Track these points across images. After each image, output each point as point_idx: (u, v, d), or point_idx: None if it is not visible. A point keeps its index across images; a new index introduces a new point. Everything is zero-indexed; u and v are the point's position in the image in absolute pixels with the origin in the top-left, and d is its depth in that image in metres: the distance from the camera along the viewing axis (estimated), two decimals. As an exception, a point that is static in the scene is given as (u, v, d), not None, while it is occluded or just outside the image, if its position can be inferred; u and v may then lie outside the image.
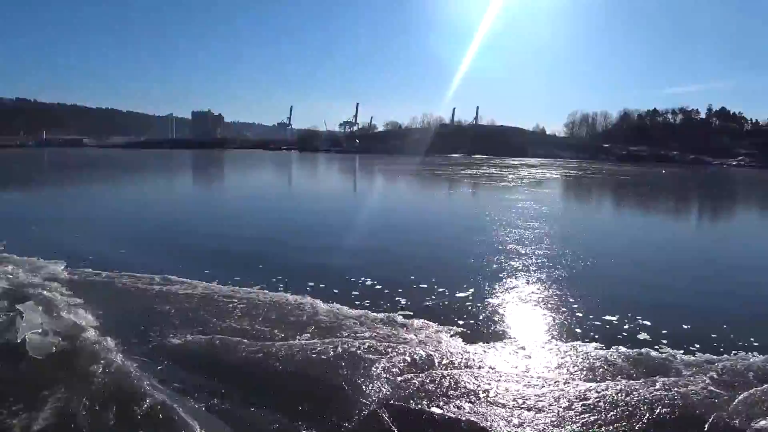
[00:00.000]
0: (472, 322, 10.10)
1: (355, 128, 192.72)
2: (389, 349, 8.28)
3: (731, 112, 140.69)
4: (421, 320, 9.83)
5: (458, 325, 9.75)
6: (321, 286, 12.14)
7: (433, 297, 11.65)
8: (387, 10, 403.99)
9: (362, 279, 12.85)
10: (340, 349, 8.23)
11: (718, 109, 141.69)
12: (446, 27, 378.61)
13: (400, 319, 9.86)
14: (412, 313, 10.30)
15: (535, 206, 29.93)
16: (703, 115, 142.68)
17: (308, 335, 8.94)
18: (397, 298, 11.48)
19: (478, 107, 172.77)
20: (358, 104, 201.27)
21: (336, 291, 11.81)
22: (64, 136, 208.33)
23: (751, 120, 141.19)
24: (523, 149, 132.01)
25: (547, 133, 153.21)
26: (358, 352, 8.18)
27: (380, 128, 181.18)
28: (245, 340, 8.56)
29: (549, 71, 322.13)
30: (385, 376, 7.44)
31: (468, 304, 11.26)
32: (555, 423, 6.32)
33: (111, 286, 11.67)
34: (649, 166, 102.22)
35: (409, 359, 7.99)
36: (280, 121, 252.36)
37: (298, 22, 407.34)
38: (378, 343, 8.52)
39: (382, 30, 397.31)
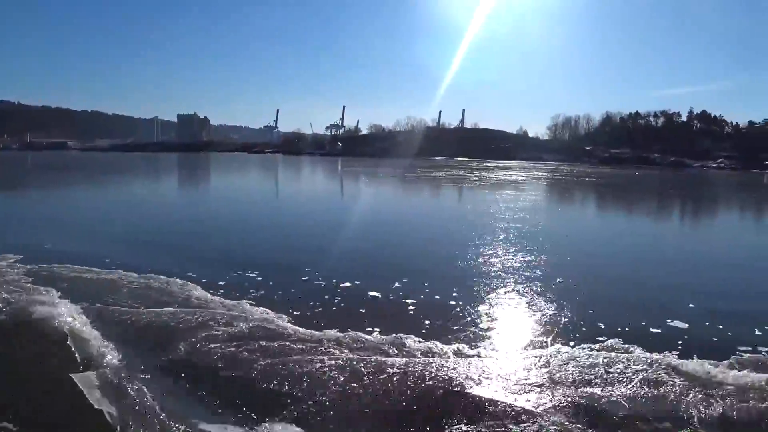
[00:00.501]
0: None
1: (341, 131, 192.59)
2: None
3: (712, 116, 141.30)
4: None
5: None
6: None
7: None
8: (375, 13, 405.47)
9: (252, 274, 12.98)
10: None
11: (699, 112, 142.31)
12: (434, 31, 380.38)
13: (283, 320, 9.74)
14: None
15: (467, 206, 29.95)
16: (684, 118, 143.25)
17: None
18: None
19: (464, 110, 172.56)
20: (344, 107, 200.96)
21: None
22: (48, 139, 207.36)
23: (732, 123, 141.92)
24: (505, 152, 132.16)
25: (530, 135, 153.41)
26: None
27: (365, 131, 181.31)
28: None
29: (535, 75, 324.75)
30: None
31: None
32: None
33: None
34: (631, 168, 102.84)
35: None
36: (267, 124, 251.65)
37: (285, 25, 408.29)
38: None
39: (370, 33, 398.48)
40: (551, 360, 8.03)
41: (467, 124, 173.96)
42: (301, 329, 9.05)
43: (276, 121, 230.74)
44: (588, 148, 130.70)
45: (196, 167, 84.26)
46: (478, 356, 8.22)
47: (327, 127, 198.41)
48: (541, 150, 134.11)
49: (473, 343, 8.74)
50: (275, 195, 42.61)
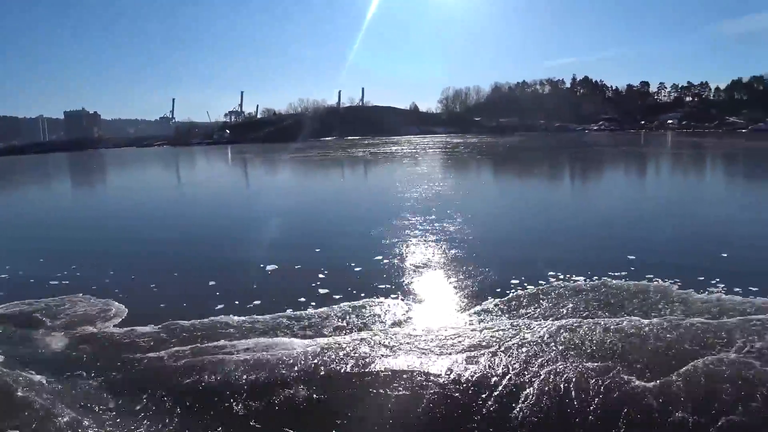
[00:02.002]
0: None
1: (240, 117, 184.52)
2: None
3: (594, 81, 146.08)
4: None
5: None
6: None
7: None
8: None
9: None
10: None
11: (581, 79, 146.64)
12: (335, 11, 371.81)
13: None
14: None
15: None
16: (569, 85, 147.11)
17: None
18: None
19: (363, 89, 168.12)
20: (242, 93, 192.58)
21: None
22: None
23: (612, 87, 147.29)
24: (397, 128, 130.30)
25: (422, 110, 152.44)
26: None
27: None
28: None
29: (429, 51, 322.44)
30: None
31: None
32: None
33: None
34: (515, 136, 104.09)
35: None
36: (163, 116, 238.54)
37: (176, 11, 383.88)
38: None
39: (268, 16, 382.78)
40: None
41: (375, 103, 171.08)
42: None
43: (172, 111, 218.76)
44: (477, 118, 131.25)
45: (65, 169, 75.09)
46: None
47: (225, 114, 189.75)
48: (432, 123, 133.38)
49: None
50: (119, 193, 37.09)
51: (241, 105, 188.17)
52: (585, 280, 10.14)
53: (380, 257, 12.62)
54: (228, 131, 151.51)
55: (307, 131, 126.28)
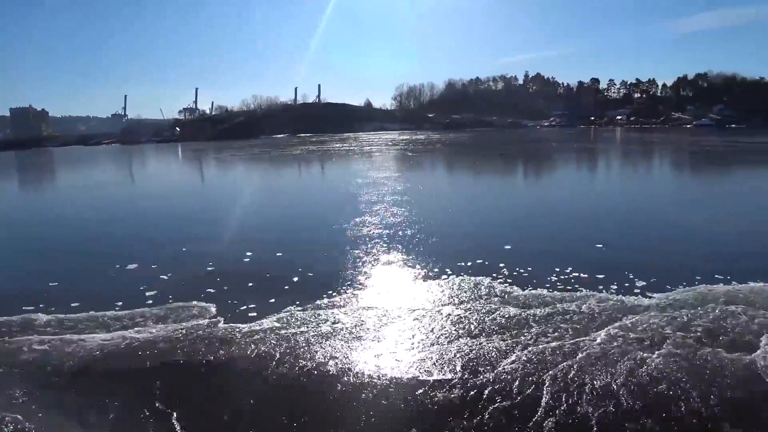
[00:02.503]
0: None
1: (195, 114, 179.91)
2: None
3: (546, 77, 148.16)
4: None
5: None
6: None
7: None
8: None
9: None
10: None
11: (534, 75, 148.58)
12: (294, 6, 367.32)
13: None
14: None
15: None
16: (521, 81, 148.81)
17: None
18: None
19: (319, 86, 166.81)
20: (197, 89, 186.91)
21: None
22: None
23: (564, 84, 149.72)
24: (350, 125, 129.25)
25: (376, 107, 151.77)
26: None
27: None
28: None
29: (390, 49, 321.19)
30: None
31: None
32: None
33: None
34: (467, 132, 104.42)
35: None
36: (115, 113, 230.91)
37: (127, 2, 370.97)
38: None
39: (226, 10, 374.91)
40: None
41: (330, 100, 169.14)
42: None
43: (125, 108, 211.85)
44: (431, 115, 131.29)
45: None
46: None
47: (180, 111, 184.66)
48: (386, 120, 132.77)
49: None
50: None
51: (195, 102, 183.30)
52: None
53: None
54: (178, 129, 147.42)
55: (258, 129, 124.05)
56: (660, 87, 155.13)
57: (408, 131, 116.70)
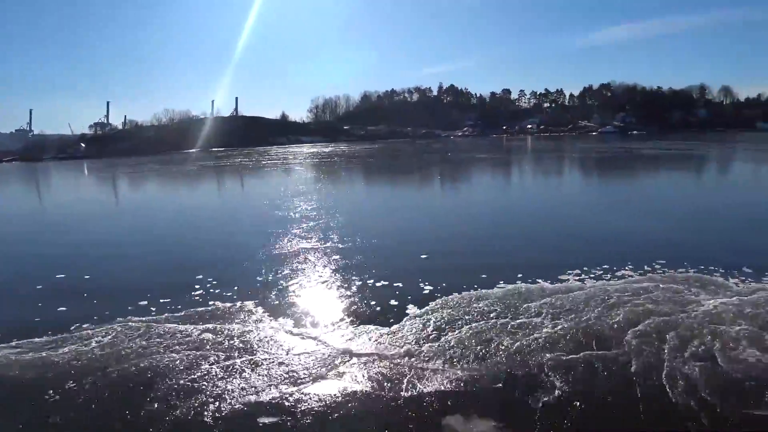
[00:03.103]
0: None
1: (106, 129, 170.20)
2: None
3: (460, 89, 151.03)
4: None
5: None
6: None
7: None
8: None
9: None
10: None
11: (448, 86, 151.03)
12: (214, 19, 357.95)
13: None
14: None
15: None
16: (435, 92, 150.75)
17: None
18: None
19: (237, 98, 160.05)
20: (108, 103, 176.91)
21: None
22: None
23: (476, 95, 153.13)
24: (265, 139, 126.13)
25: (293, 120, 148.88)
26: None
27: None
28: None
29: (303, 61, 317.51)
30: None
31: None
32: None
33: None
34: (379, 143, 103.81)
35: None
36: (20, 128, 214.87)
37: (35, 9, 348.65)
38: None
39: (142, 21, 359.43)
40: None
41: (247, 113, 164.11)
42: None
43: (30, 123, 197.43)
44: (346, 127, 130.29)
45: None
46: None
47: (90, 126, 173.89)
48: (301, 133, 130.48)
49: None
50: None
51: (107, 116, 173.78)
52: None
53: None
54: (83, 145, 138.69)
55: (168, 144, 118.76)
56: (568, 97, 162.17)
57: (321, 144, 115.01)
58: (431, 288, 9.29)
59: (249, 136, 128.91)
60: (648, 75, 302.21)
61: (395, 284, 9.64)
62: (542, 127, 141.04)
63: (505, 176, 34.77)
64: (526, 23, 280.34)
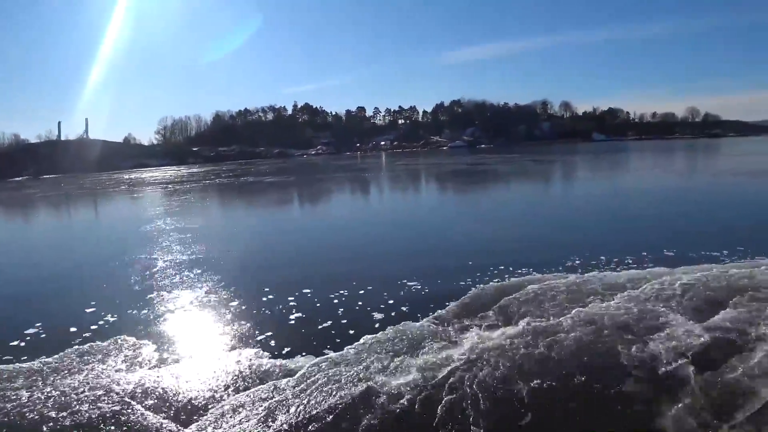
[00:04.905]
0: None
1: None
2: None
3: (315, 107, 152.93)
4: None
5: None
6: None
7: None
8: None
9: None
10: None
11: (303, 105, 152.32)
12: (55, 36, 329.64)
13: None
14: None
15: None
16: (290, 112, 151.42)
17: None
18: None
19: (87, 119, 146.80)
20: None
21: None
22: None
23: (332, 113, 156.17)
24: (107, 163, 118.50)
25: (136, 142, 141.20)
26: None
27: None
28: None
29: (159, 82, 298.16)
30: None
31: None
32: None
33: None
34: (226, 164, 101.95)
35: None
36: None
37: None
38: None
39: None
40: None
41: (106, 137, 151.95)
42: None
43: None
44: (195, 149, 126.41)
45: None
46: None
47: None
48: (148, 156, 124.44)
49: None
50: None
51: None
52: None
53: None
54: None
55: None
56: (421, 113, 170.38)
57: (168, 167, 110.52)
58: None
59: (88, 160, 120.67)
60: (496, 92, 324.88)
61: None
62: (395, 143, 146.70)
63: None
64: (386, 43, 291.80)
